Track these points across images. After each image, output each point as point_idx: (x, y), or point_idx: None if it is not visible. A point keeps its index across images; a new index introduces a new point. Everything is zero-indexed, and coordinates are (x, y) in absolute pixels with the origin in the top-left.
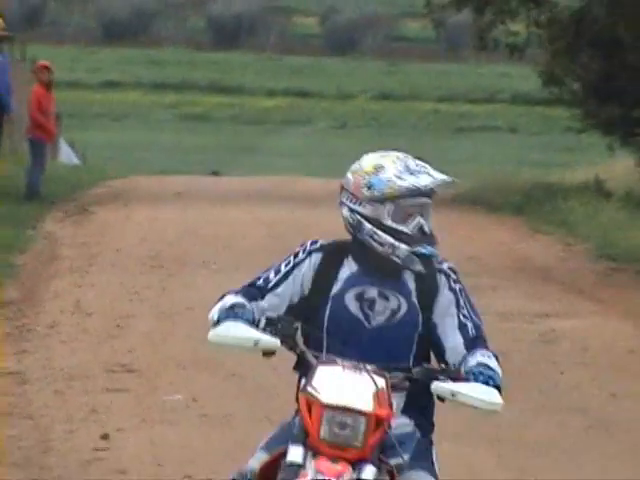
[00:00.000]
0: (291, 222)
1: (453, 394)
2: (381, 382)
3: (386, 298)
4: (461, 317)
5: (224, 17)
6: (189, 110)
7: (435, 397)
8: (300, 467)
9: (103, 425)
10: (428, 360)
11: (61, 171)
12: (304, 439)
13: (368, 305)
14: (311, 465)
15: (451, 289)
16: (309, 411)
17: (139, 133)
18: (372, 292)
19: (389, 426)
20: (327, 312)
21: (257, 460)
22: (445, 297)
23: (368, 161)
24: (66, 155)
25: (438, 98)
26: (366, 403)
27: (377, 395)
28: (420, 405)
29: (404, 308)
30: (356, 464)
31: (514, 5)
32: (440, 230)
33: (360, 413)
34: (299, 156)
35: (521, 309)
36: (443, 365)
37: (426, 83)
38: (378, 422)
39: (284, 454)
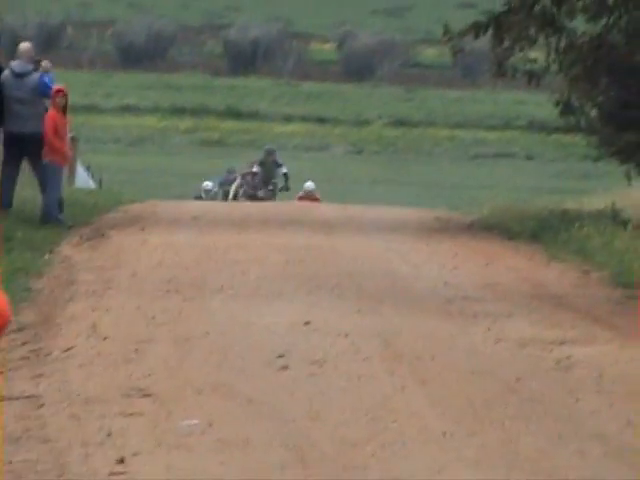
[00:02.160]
0: (308, 248)
1: None
2: None
3: None
4: None
5: (241, 42)
6: (205, 135)
7: None
8: None
9: (119, 449)
10: None
11: (77, 195)
12: None
13: None
14: None
15: None
16: None
17: (156, 158)
18: None
19: None
20: None
21: None
22: None
23: None
24: (83, 179)
25: (454, 124)
26: None
27: None
28: None
29: None
30: None
31: (533, 32)
32: (457, 257)
33: None
34: (315, 182)
35: (537, 336)
36: None
37: (442, 109)
38: None
39: None
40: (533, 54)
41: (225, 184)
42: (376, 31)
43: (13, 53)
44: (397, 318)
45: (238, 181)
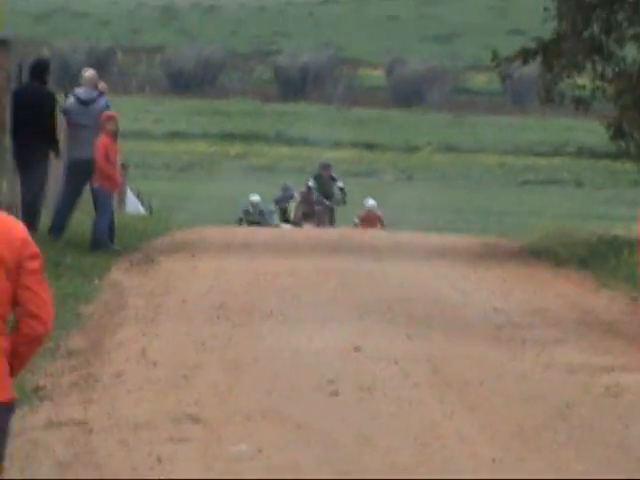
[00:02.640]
0: (358, 273)
1: None
2: None
3: None
4: None
5: (290, 68)
6: (255, 161)
7: None
8: None
9: (168, 475)
10: None
11: (128, 221)
12: None
13: None
14: None
15: None
16: None
17: (205, 183)
18: None
19: None
20: None
21: None
22: None
23: None
24: (133, 205)
25: (503, 151)
26: None
27: None
28: None
29: None
30: None
31: (580, 58)
32: (506, 283)
33: None
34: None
35: (586, 362)
36: None
37: (491, 136)
38: None
39: None
40: (581, 80)
41: (281, 202)
42: (425, 57)
43: (63, 79)
44: (446, 344)
45: (299, 199)
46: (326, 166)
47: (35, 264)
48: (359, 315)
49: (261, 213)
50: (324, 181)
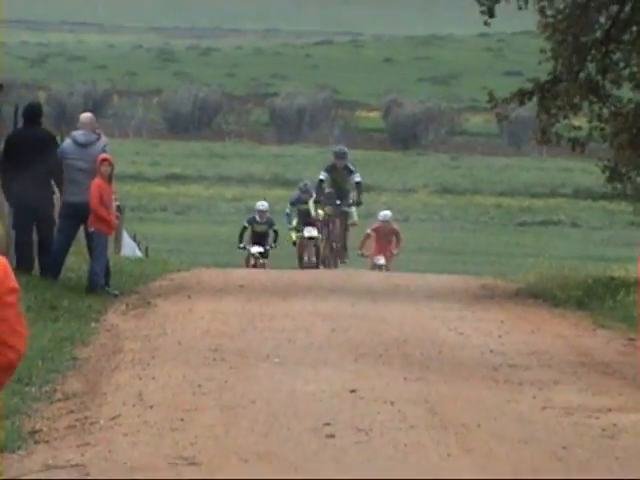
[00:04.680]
0: (354, 316)
1: None
2: None
3: None
4: None
5: (287, 111)
6: (252, 204)
7: None
8: None
9: None
10: None
11: (124, 264)
12: None
13: None
14: None
15: None
16: None
17: (202, 226)
18: None
19: None
20: None
21: None
22: None
23: None
24: (129, 248)
25: (500, 192)
26: None
27: None
28: None
29: None
30: None
31: (577, 99)
32: (503, 324)
33: None
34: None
35: (583, 403)
36: None
37: (488, 177)
38: None
39: None
40: (577, 121)
41: (299, 203)
42: (422, 99)
43: (59, 122)
44: (443, 386)
45: (315, 196)
46: (341, 154)
47: (12, 298)
48: (355, 357)
49: (269, 221)
50: (338, 173)
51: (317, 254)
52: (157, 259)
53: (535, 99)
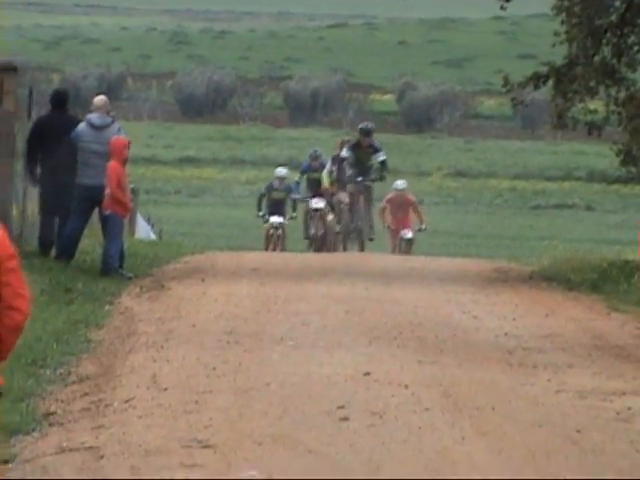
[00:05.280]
0: (368, 299)
1: None
2: None
3: None
4: None
5: (301, 94)
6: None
7: None
8: None
9: None
10: None
11: (138, 247)
12: None
13: None
14: None
15: None
16: None
17: (216, 209)
18: None
19: None
20: None
21: None
22: None
23: None
24: (144, 231)
25: (514, 175)
26: None
27: None
28: None
29: None
30: None
31: (593, 83)
32: (517, 307)
33: None
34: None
35: (597, 387)
36: None
37: (502, 160)
38: None
39: None
40: (593, 105)
41: (310, 171)
42: (436, 82)
43: (74, 105)
44: (457, 369)
45: (329, 167)
46: (366, 131)
47: (13, 263)
48: (369, 340)
49: (288, 188)
50: (362, 152)
51: (324, 226)
52: (171, 242)
53: (550, 83)
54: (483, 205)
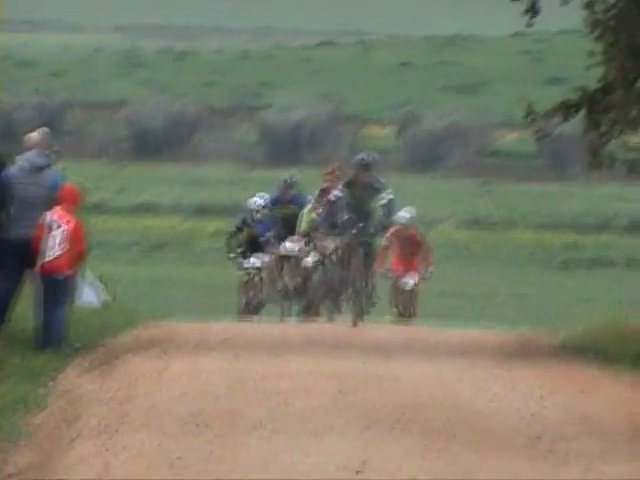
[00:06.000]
0: (363, 376)
1: None
2: None
3: None
4: None
5: (280, 127)
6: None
7: None
8: None
9: None
10: None
11: (83, 313)
12: None
13: None
14: None
15: None
16: None
17: (177, 267)
18: None
19: None
20: None
21: None
22: None
23: None
24: (86, 295)
25: (539, 225)
26: None
27: None
28: None
29: None
30: None
31: (634, 113)
32: (545, 385)
33: None
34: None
35: None
36: None
37: (525, 207)
38: None
39: None
40: (634, 139)
41: (278, 205)
42: (445, 112)
43: (5, 141)
44: (472, 460)
45: (311, 206)
46: (366, 165)
47: None
48: (365, 425)
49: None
50: (360, 191)
51: (303, 276)
52: (124, 307)
53: (582, 112)
54: (503, 260)
